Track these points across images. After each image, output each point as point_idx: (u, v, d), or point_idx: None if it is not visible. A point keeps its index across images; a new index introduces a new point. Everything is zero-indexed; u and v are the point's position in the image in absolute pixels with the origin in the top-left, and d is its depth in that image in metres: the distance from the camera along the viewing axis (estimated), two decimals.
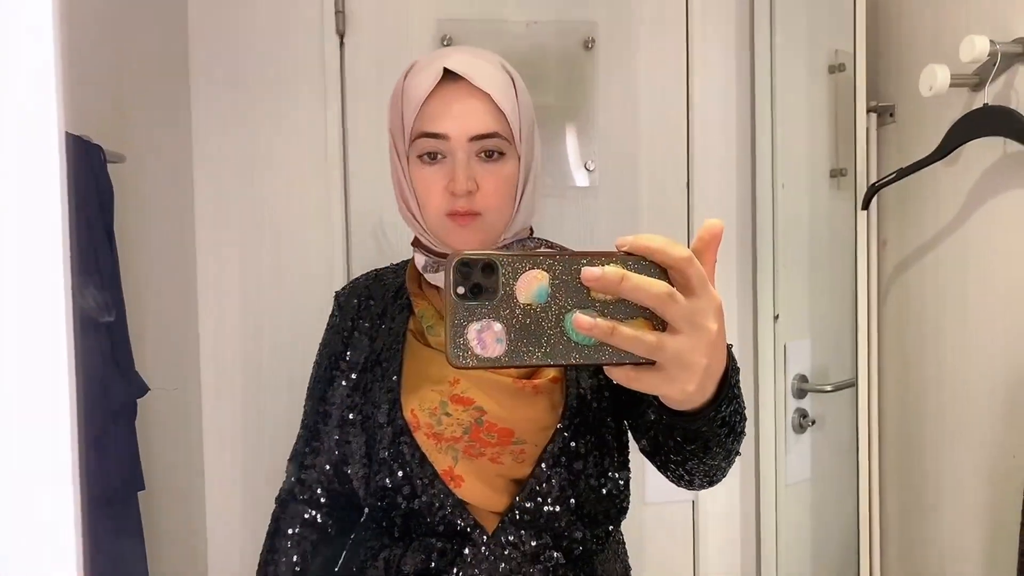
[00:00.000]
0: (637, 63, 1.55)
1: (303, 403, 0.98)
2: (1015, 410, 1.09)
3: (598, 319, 0.45)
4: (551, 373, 0.85)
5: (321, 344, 0.97)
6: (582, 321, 0.45)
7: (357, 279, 1.00)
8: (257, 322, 1.46)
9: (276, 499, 0.97)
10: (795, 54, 1.58)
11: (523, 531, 0.82)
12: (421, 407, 0.83)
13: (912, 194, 1.32)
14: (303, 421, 0.96)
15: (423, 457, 0.82)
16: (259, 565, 0.93)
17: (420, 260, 0.90)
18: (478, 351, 0.47)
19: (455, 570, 0.81)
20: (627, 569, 0.93)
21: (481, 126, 0.81)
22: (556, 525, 0.83)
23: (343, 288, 0.99)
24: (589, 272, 0.45)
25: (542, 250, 0.49)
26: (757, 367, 1.61)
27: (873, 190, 1.28)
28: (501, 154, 0.83)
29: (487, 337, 0.47)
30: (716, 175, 1.58)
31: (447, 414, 0.82)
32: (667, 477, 0.78)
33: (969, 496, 1.20)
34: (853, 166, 1.33)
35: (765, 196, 1.59)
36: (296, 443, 0.97)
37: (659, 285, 0.45)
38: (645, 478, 1.58)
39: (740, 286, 1.61)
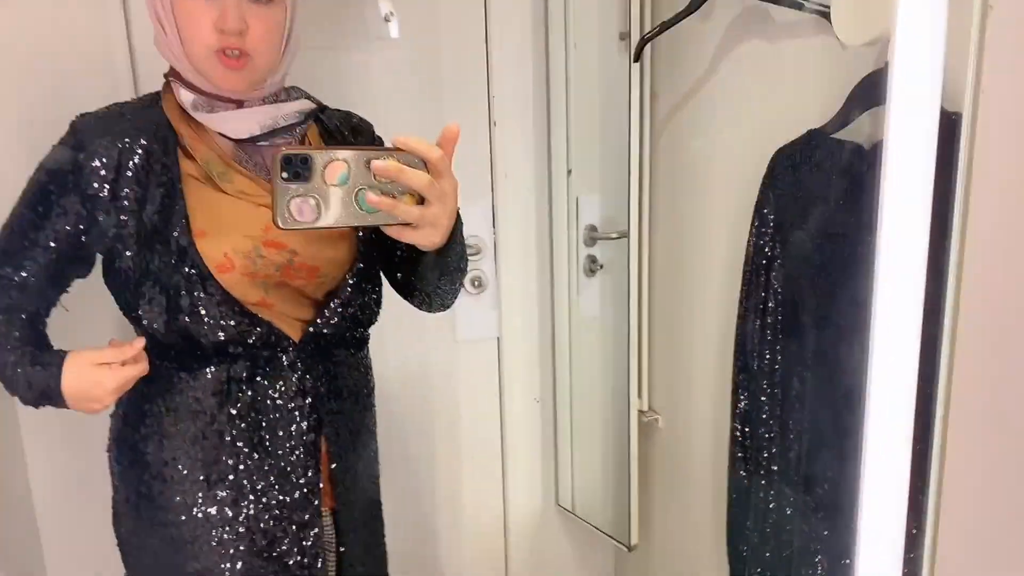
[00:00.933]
0: None
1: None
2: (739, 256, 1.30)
3: (382, 196, 0.75)
4: None
5: (50, 168, 0.91)
6: (372, 198, 0.74)
7: (97, 113, 0.94)
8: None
9: None
10: None
11: (322, 337, 0.99)
12: (235, 251, 0.90)
13: (679, 50, 1.48)
14: (15, 223, 0.93)
15: (227, 294, 0.91)
16: None
17: (187, 97, 0.91)
18: (298, 217, 0.73)
19: (273, 371, 0.96)
20: (369, 364, 1.13)
21: None
22: (345, 330, 1.02)
23: (82, 120, 0.93)
24: (378, 164, 0.74)
25: (344, 147, 0.80)
26: (552, 218, 1.77)
27: (643, 42, 1.42)
28: (270, 0, 0.88)
29: (304, 207, 0.73)
30: (514, 31, 1.66)
31: (261, 256, 0.92)
32: (411, 303, 1.08)
33: (711, 326, 1.44)
34: (629, 24, 1.47)
35: (558, 56, 1.69)
36: (3, 241, 0.93)
37: (423, 176, 0.76)
38: (455, 318, 1.73)
39: (536, 143, 1.74)
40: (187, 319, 0.90)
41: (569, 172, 1.77)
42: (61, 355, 0.91)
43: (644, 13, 1.52)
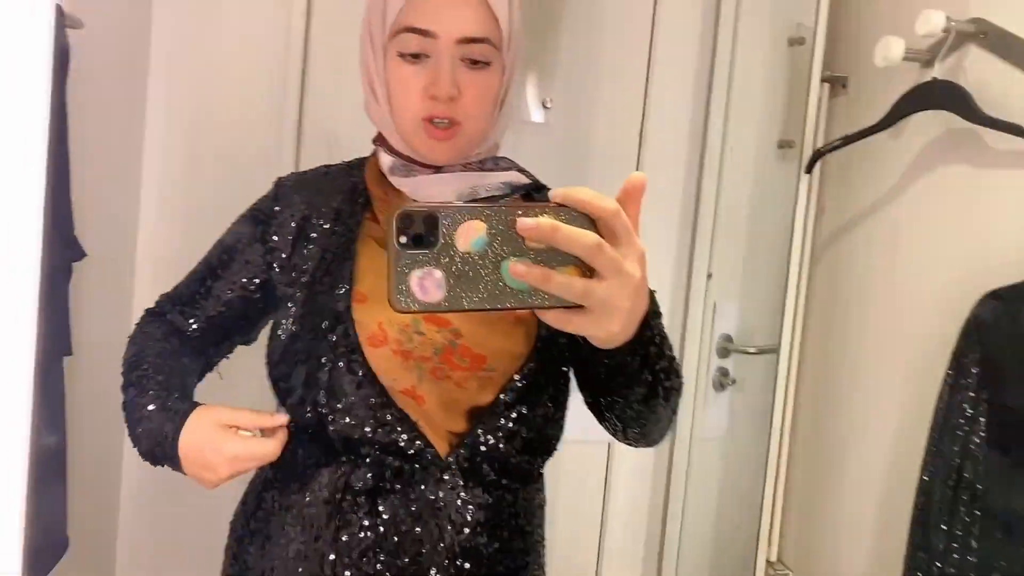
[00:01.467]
0: (604, 7, 1.53)
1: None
2: (923, 404, 1.08)
3: (532, 267, 0.50)
4: None
5: (245, 219, 0.89)
6: (518, 268, 0.49)
7: (305, 172, 0.91)
8: (200, 208, 1.40)
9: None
10: (759, 23, 1.59)
11: (477, 457, 0.79)
12: (390, 322, 0.78)
13: (855, 166, 1.36)
14: (198, 269, 0.89)
15: (373, 376, 0.77)
16: (126, 367, 0.85)
17: (386, 161, 0.84)
18: (419, 296, 0.51)
19: (406, 489, 0.77)
20: (542, 503, 0.92)
21: (473, 28, 0.76)
22: (505, 454, 0.80)
23: (287, 177, 0.91)
24: (524, 223, 0.49)
25: (479, 204, 0.52)
26: (686, 323, 1.64)
27: (818, 154, 1.31)
28: (487, 64, 0.79)
29: (428, 283, 0.51)
30: (669, 130, 1.59)
31: (420, 332, 0.78)
32: (605, 428, 0.80)
33: (872, 473, 1.26)
34: (801, 133, 1.36)
35: (713, 157, 1.61)
36: (181, 290, 0.90)
37: (588, 236, 0.50)
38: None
39: (679, 243, 1.64)
40: (322, 397, 0.77)
41: (709, 276, 1.64)
42: (192, 404, 0.79)
43: (818, 122, 1.41)
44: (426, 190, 0.81)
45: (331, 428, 0.77)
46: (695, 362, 1.65)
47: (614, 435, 0.79)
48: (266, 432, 0.78)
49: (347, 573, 0.76)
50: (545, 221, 0.50)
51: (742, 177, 1.64)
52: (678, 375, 0.72)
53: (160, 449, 0.77)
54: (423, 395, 0.78)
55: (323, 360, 0.77)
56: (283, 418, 0.79)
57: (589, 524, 1.66)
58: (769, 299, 1.56)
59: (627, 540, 1.67)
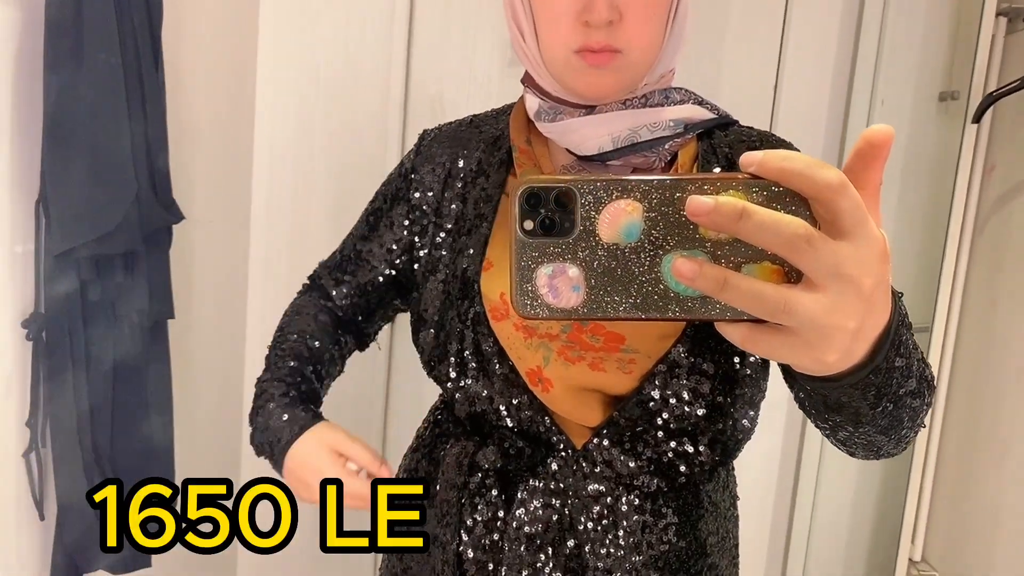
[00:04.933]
0: None
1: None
2: None
3: (705, 265, 0.35)
4: None
5: (388, 180, 0.84)
6: (683, 268, 0.35)
7: (449, 124, 0.82)
8: (310, 172, 1.43)
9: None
10: None
11: (616, 449, 0.69)
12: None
13: None
14: (352, 233, 0.86)
15: (502, 352, 0.69)
16: (272, 342, 0.85)
17: (533, 104, 0.72)
18: (550, 300, 0.39)
19: (536, 481, 0.70)
20: (735, 499, 0.79)
21: None
22: (658, 450, 0.68)
23: (430, 131, 0.83)
24: (697, 203, 0.34)
25: (633, 176, 0.38)
26: None
27: (989, 100, 1.13)
28: None
29: (560, 283, 0.39)
30: (809, 81, 1.44)
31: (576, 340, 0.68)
32: (827, 434, 0.60)
33: None
34: (970, 76, 1.18)
35: (860, 112, 1.43)
36: (335, 256, 0.87)
37: (794, 224, 0.34)
38: None
39: None
40: (450, 370, 0.72)
41: None
42: (315, 417, 0.77)
43: (991, 64, 1.22)
44: (575, 134, 0.69)
45: (456, 406, 0.73)
46: None
47: (838, 447, 0.62)
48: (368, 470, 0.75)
49: (471, 555, 0.71)
50: (728, 201, 0.34)
51: (897, 132, 1.45)
52: (931, 389, 0.55)
53: (268, 448, 0.77)
54: (549, 378, 0.69)
55: (453, 330, 0.71)
56: (388, 470, 0.75)
57: None
58: (924, 272, 1.38)
59: (750, 532, 1.55)
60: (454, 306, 0.72)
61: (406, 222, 0.79)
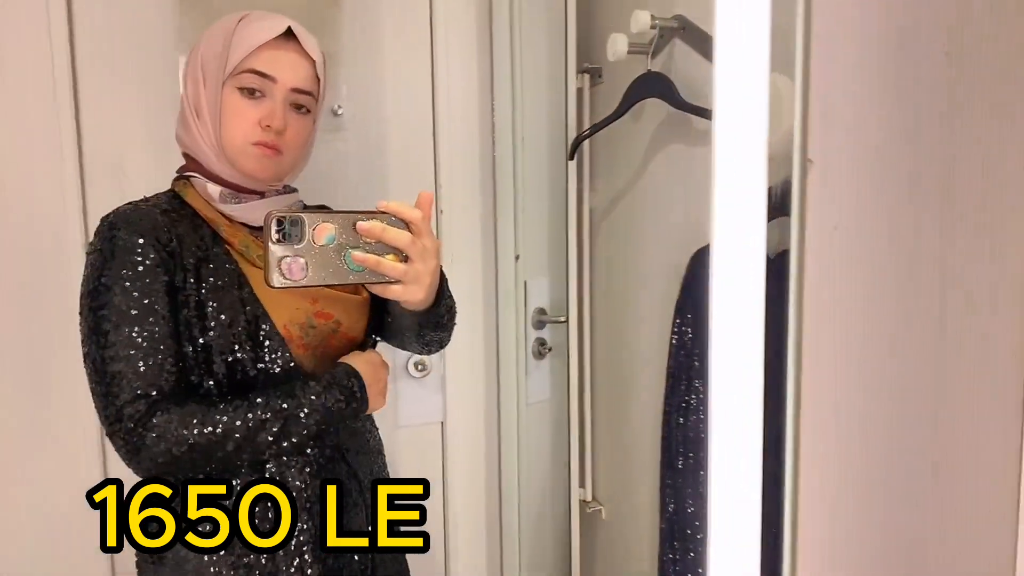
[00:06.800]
0: (384, 23, 1.63)
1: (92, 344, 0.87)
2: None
3: (368, 255, 0.80)
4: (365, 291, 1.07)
5: (126, 275, 0.87)
6: (358, 255, 0.80)
7: (132, 211, 0.92)
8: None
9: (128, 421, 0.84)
10: (532, 18, 1.73)
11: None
12: (292, 322, 0.96)
13: (614, 148, 1.53)
14: (128, 349, 0.86)
15: (296, 365, 0.96)
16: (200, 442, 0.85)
17: (213, 190, 0.97)
18: (287, 276, 0.78)
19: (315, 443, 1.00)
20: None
21: (304, 82, 0.97)
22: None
23: (117, 212, 0.92)
24: (363, 225, 0.81)
25: (331, 211, 0.86)
26: (497, 301, 1.79)
27: (576, 142, 1.47)
28: (307, 111, 1.00)
29: (295, 267, 0.78)
30: (461, 127, 1.71)
31: (312, 327, 0.98)
32: (411, 350, 1.13)
33: (650, 423, 1.45)
34: (564, 123, 1.52)
35: (506, 147, 1.74)
36: (119, 377, 0.85)
37: (405, 235, 0.83)
38: (397, 403, 1.73)
39: (484, 229, 1.77)
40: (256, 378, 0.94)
41: (517, 257, 1.79)
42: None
43: (582, 114, 1.57)
44: (258, 213, 0.98)
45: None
46: (513, 336, 1.80)
47: (418, 352, 1.15)
48: None
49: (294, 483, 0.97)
50: (376, 224, 0.80)
51: (537, 163, 1.78)
52: (455, 312, 1.08)
53: (350, 398, 0.97)
54: (317, 373, 0.99)
55: (255, 357, 0.96)
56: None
57: (432, 503, 1.79)
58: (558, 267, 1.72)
59: (468, 504, 1.82)
60: (252, 344, 0.97)
61: (170, 285, 0.95)
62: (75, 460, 1.45)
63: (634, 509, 1.53)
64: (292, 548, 0.95)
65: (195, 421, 0.85)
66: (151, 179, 1.13)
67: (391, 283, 0.83)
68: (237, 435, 0.86)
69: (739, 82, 0.50)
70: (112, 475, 1.48)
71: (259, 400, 0.89)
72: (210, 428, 0.85)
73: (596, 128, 1.41)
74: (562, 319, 1.77)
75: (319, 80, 1.00)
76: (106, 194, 1.45)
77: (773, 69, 0.50)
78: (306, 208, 1.07)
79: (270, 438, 0.88)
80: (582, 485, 1.62)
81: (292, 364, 0.95)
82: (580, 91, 1.56)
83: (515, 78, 1.72)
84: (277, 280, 0.77)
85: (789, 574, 0.62)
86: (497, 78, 1.72)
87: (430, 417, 1.77)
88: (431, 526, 1.79)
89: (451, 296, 1.05)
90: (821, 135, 0.62)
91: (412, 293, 0.85)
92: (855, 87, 0.63)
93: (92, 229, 1.38)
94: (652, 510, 1.44)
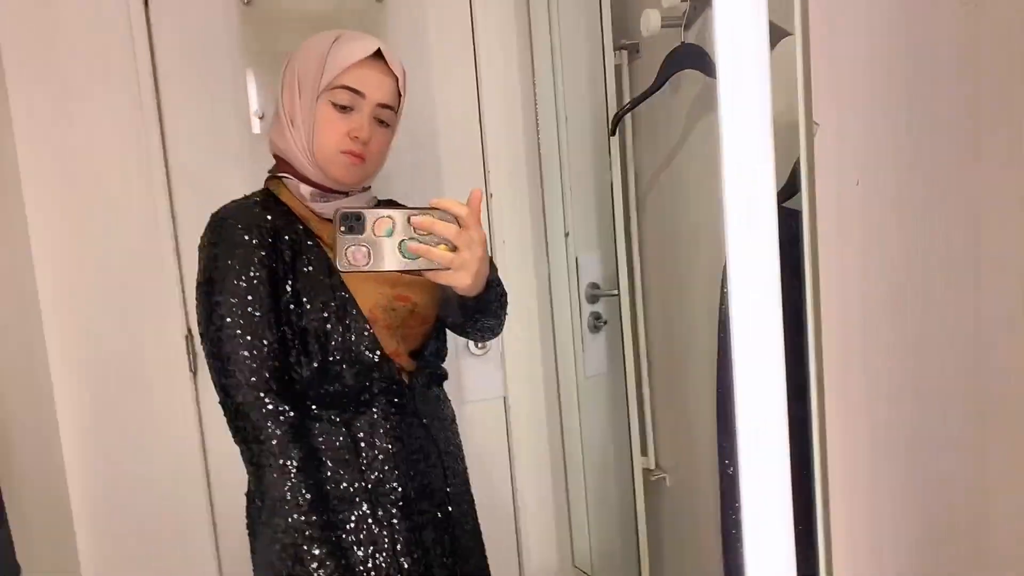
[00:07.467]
0: (427, 17, 1.69)
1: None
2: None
3: (421, 245, 0.91)
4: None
5: (236, 266, 1.01)
6: (413, 246, 0.92)
7: (238, 207, 1.07)
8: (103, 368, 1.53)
9: (235, 408, 1.00)
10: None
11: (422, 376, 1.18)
12: (376, 305, 1.09)
13: (655, 120, 1.55)
14: (239, 330, 1.00)
15: (380, 345, 1.08)
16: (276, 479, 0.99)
17: (305, 190, 1.10)
18: (352, 262, 0.91)
19: (398, 411, 1.11)
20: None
21: (388, 97, 1.09)
22: (436, 369, 1.22)
23: (226, 210, 1.06)
24: (416, 219, 0.92)
25: (389, 207, 0.97)
26: (550, 278, 1.84)
27: (617, 118, 1.50)
28: (387, 125, 1.11)
29: (358, 255, 0.90)
30: (504, 112, 1.76)
31: (393, 309, 1.10)
32: (466, 337, 1.22)
33: (708, 389, 1.48)
34: (604, 99, 1.55)
35: (549, 128, 1.78)
36: (234, 364, 1.00)
37: (452, 227, 0.93)
38: (461, 380, 1.80)
39: (532, 209, 1.82)
40: (344, 360, 1.05)
41: (567, 234, 1.84)
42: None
43: (622, 90, 1.60)
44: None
45: (349, 388, 1.10)
46: (567, 311, 1.85)
47: (471, 339, 1.27)
48: None
49: (370, 485, 1.06)
50: (428, 218, 0.92)
51: (581, 140, 1.82)
52: (505, 301, 1.16)
53: None
54: (400, 351, 1.13)
55: (347, 339, 1.07)
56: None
57: (501, 477, 1.87)
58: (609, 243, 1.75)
59: (535, 476, 1.89)
60: (347, 329, 1.09)
61: (273, 279, 1.07)
62: (173, 440, 1.59)
63: (697, 475, 1.57)
64: (387, 505, 1.06)
65: (288, 487, 0.98)
66: (226, 182, 1.22)
67: (441, 269, 0.93)
68: (284, 528, 0.98)
69: (743, 40, 0.51)
70: (209, 455, 1.61)
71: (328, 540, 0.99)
72: (287, 507, 0.98)
73: (635, 102, 1.44)
74: (614, 292, 1.81)
75: (400, 95, 1.11)
76: (189, 197, 1.57)
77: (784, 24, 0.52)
78: (378, 204, 1.19)
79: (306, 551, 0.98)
80: (644, 454, 1.66)
81: (377, 342, 1.07)
82: (618, 68, 1.58)
83: (555, 59, 1.76)
84: (343, 265, 0.90)
85: (822, 513, 0.66)
86: (537, 61, 1.76)
87: (493, 392, 1.85)
88: (499, 500, 1.87)
89: (501, 285, 1.12)
90: (831, 95, 0.64)
91: (460, 279, 0.94)
92: (864, 49, 0.65)
93: (181, 229, 1.53)
94: (714, 475, 1.47)
